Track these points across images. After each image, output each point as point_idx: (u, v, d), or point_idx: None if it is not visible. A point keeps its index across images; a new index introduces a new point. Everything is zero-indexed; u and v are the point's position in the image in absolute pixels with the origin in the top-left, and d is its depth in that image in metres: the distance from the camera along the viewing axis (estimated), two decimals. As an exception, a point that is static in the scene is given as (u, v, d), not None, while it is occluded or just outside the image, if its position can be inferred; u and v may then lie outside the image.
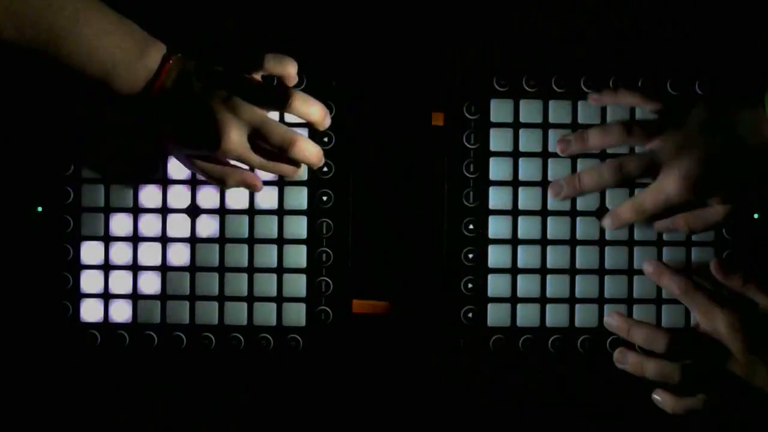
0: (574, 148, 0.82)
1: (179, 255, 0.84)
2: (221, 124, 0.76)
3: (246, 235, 0.84)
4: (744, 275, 0.80)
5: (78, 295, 0.83)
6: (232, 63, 0.78)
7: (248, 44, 0.85)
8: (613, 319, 0.82)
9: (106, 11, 0.75)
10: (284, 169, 0.81)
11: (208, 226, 0.84)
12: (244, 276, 0.83)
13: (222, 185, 0.81)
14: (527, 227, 0.84)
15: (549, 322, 0.83)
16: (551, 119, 0.84)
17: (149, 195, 0.84)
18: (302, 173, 0.83)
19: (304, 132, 0.83)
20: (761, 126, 0.77)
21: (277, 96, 0.79)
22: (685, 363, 0.78)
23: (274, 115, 0.81)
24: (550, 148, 0.84)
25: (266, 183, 0.83)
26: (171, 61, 0.77)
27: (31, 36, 0.72)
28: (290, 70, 0.80)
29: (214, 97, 0.76)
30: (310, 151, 0.80)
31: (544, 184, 0.83)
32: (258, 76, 0.79)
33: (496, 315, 0.83)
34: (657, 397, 0.80)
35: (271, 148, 0.79)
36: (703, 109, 0.80)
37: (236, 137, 0.77)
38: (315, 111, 0.80)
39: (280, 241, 0.84)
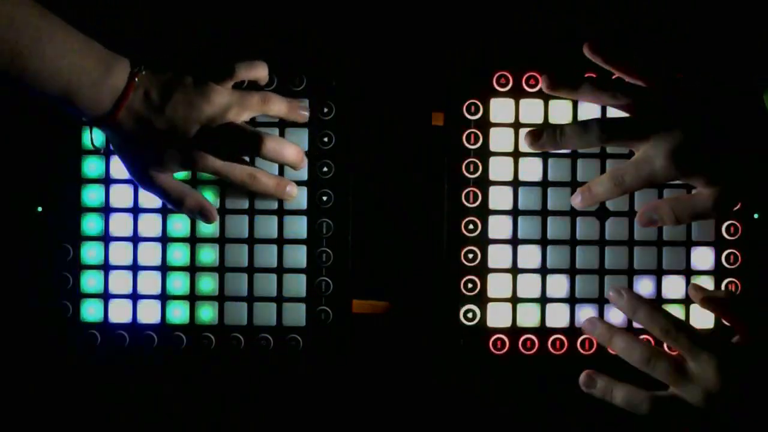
0: (564, 90, 0.79)
1: (179, 255, 0.84)
2: (195, 143, 0.76)
3: (246, 235, 0.84)
4: (729, 300, 0.77)
5: (78, 295, 0.83)
6: (202, 75, 0.78)
7: (245, 45, 0.85)
8: (594, 323, 0.79)
9: (69, 30, 0.73)
10: (264, 183, 0.81)
11: (208, 226, 0.84)
12: (244, 276, 0.83)
13: (178, 207, 0.81)
14: (527, 227, 0.84)
15: (549, 322, 0.83)
16: (551, 119, 0.84)
17: (149, 195, 0.83)
18: (293, 192, 0.82)
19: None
20: (756, 109, 0.75)
21: (249, 99, 0.79)
22: (657, 394, 0.74)
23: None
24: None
25: (266, 183, 0.83)
26: (137, 79, 0.75)
27: None
28: (261, 73, 0.80)
29: (184, 114, 0.76)
30: (286, 150, 0.80)
31: (544, 184, 0.83)
32: (229, 85, 0.79)
33: (496, 315, 0.83)
34: None
35: (240, 153, 0.79)
36: (702, 85, 0.78)
37: (212, 153, 0.77)
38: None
39: (280, 241, 0.84)
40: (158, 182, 0.79)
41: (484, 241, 0.83)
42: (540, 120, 0.83)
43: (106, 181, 0.84)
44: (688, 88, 0.78)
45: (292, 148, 0.81)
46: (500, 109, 0.84)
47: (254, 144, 0.79)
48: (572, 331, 0.83)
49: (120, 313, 0.83)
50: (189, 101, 0.76)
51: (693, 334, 0.74)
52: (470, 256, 0.83)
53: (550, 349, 0.83)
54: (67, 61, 0.72)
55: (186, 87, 0.77)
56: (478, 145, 0.84)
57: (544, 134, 0.79)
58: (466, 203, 0.83)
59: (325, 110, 0.83)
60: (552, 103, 0.83)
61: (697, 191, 0.78)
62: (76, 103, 0.74)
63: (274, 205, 0.84)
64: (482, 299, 0.83)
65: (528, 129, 0.80)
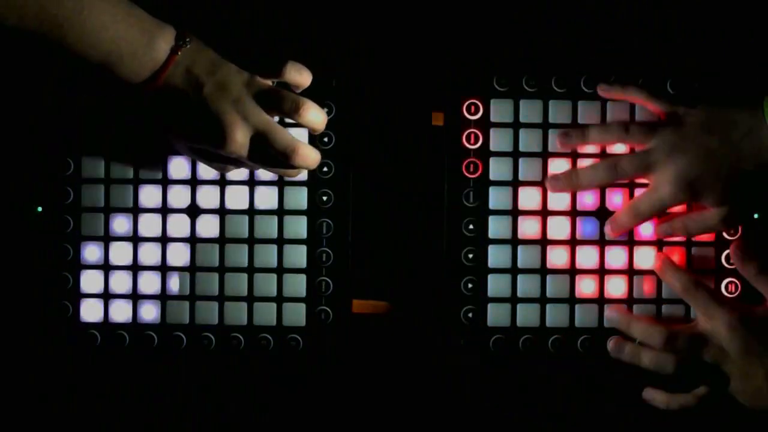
0: (574, 142, 0.83)
1: (179, 255, 0.84)
2: (227, 126, 0.75)
3: (246, 235, 0.84)
4: (760, 265, 0.80)
5: (78, 295, 0.83)
6: (248, 63, 0.77)
7: (249, 45, 0.85)
8: (613, 313, 0.83)
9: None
10: (283, 170, 0.81)
11: (208, 226, 0.84)
12: (244, 276, 0.83)
13: (221, 171, 0.82)
14: (527, 227, 0.84)
15: (549, 322, 0.83)
16: (551, 119, 0.84)
17: (149, 195, 0.84)
18: (303, 174, 0.83)
19: (304, 134, 0.83)
20: (758, 129, 0.77)
21: (290, 104, 0.77)
22: (681, 355, 0.79)
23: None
24: (550, 148, 0.84)
25: (266, 183, 0.84)
26: (179, 53, 0.75)
27: (34, 26, 0.69)
28: (306, 82, 0.80)
29: (222, 95, 0.75)
30: (312, 158, 0.79)
31: (544, 184, 0.83)
32: (270, 82, 0.78)
33: (496, 315, 0.83)
34: (647, 395, 0.82)
35: (273, 153, 0.77)
36: (701, 110, 0.80)
37: (240, 140, 0.75)
38: (320, 120, 0.80)
39: (280, 241, 0.84)
40: (196, 154, 0.79)
41: (484, 241, 0.84)
42: (540, 120, 0.84)
43: (106, 181, 0.84)
44: (689, 115, 0.80)
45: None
46: (500, 109, 0.84)
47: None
48: (572, 331, 0.83)
49: (120, 313, 0.83)
50: (229, 85, 0.75)
51: (713, 294, 0.81)
52: (470, 256, 0.83)
53: (550, 349, 0.83)
54: (109, 33, 0.72)
55: (229, 70, 0.76)
56: (478, 145, 0.84)
57: (561, 178, 0.83)
58: (466, 203, 0.83)
59: (325, 110, 0.83)
60: (552, 103, 0.84)
61: (708, 210, 0.80)
62: (115, 72, 0.74)
63: (275, 205, 0.84)
64: (482, 299, 0.83)
65: (549, 175, 0.83)
